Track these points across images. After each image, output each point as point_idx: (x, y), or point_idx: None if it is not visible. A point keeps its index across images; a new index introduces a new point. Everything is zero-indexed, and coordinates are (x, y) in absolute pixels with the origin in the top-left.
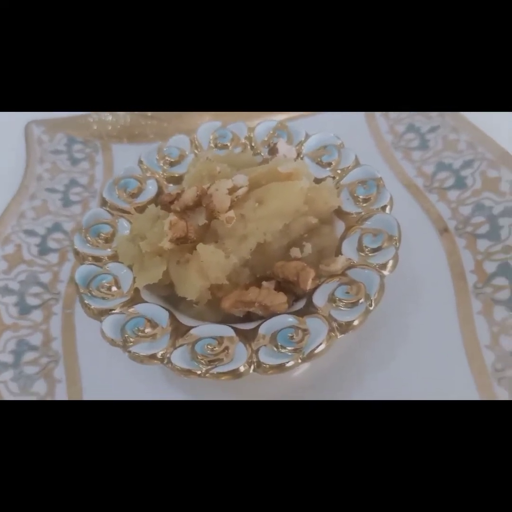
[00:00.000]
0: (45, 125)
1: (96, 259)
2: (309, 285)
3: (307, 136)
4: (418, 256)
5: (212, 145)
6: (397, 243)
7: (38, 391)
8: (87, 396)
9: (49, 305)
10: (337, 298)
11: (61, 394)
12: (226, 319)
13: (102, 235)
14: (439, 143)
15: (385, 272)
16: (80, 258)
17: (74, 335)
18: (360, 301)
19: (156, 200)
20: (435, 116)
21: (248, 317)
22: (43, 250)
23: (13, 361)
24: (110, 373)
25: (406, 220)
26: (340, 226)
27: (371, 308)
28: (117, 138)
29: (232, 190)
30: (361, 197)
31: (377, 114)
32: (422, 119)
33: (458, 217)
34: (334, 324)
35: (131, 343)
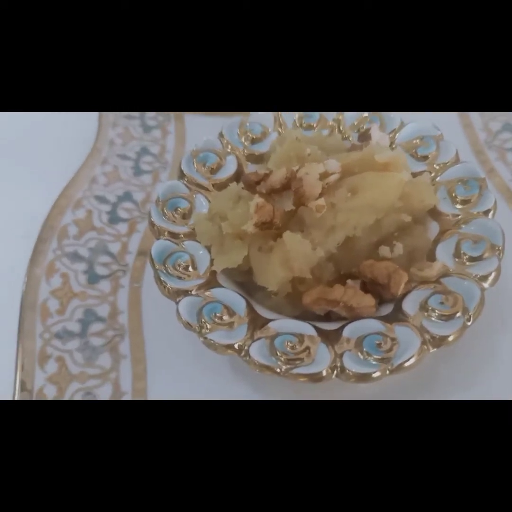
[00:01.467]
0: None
1: (173, 235)
2: (401, 290)
3: (402, 124)
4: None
5: (297, 124)
6: (501, 254)
7: (103, 365)
8: (150, 375)
9: (117, 276)
10: (431, 308)
11: (125, 371)
12: (304, 315)
13: (180, 210)
14: None
15: (486, 285)
16: (156, 232)
17: (140, 310)
18: (457, 314)
19: (236, 178)
20: None
21: (328, 316)
22: (113, 218)
23: (80, 331)
24: (174, 355)
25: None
26: (433, 227)
27: (468, 323)
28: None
29: (323, 176)
30: (460, 197)
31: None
32: None
33: None
34: (427, 336)
35: (207, 330)
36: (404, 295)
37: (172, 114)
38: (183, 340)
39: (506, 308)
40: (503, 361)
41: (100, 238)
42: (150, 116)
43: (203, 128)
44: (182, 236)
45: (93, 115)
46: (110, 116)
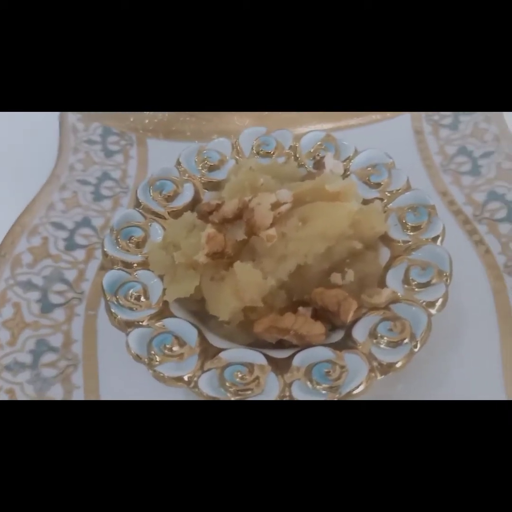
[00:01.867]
0: (81, 113)
1: (126, 264)
2: (350, 318)
3: (356, 152)
4: (462, 293)
5: (254, 152)
6: (448, 280)
7: (54, 396)
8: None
9: (72, 304)
10: (379, 335)
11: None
12: (257, 342)
13: (134, 239)
14: (493, 171)
15: (433, 311)
16: (109, 262)
17: (95, 339)
18: (405, 340)
19: (192, 205)
20: (489, 141)
21: (281, 343)
22: (70, 245)
23: (31, 362)
24: (130, 384)
25: (450, 249)
26: (384, 253)
27: (416, 349)
28: (153, 133)
29: (274, 206)
30: (410, 224)
31: (427, 130)
32: (476, 143)
33: (508, 254)
34: (375, 363)
35: (157, 362)
36: (355, 321)
37: (134, 137)
38: (139, 369)
39: (455, 332)
40: (453, 385)
41: (55, 266)
42: (112, 141)
43: (166, 153)
44: (136, 265)
45: (54, 141)
46: (72, 140)
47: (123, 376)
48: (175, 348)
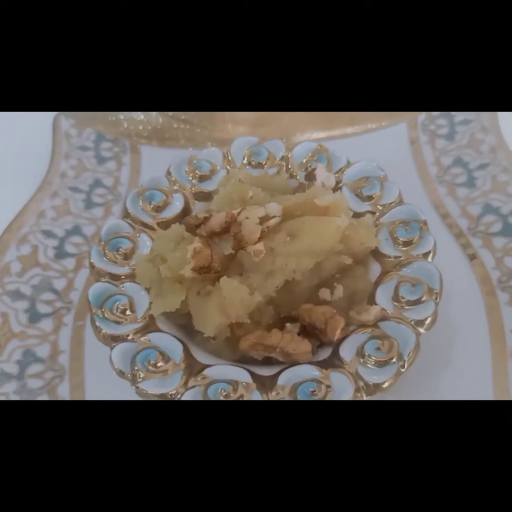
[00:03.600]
0: (75, 118)
1: (113, 277)
2: (337, 336)
3: (349, 164)
4: (454, 308)
5: (245, 162)
6: (438, 298)
7: None
8: None
9: (60, 314)
10: (367, 354)
11: None
12: (245, 358)
13: (121, 250)
14: (488, 183)
15: (421, 330)
16: (96, 274)
17: (83, 350)
18: (392, 360)
19: (182, 216)
20: (486, 152)
21: (268, 360)
22: (60, 254)
23: (18, 373)
24: (117, 397)
25: (443, 263)
26: (375, 268)
27: (403, 370)
28: (147, 139)
29: (263, 220)
30: (401, 239)
31: (423, 140)
32: (472, 154)
33: (503, 269)
34: (361, 383)
35: (141, 379)
36: (343, 339)
37: (127, 144)
38: (126, 383)
39: (446, 348)
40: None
41: (44, 275)
42: (105, 147)
43: (159, 160)
44: (123, 277)
45: (46, 147)
46: (64, 146)
47: (110, 389)
48: (159, 364)
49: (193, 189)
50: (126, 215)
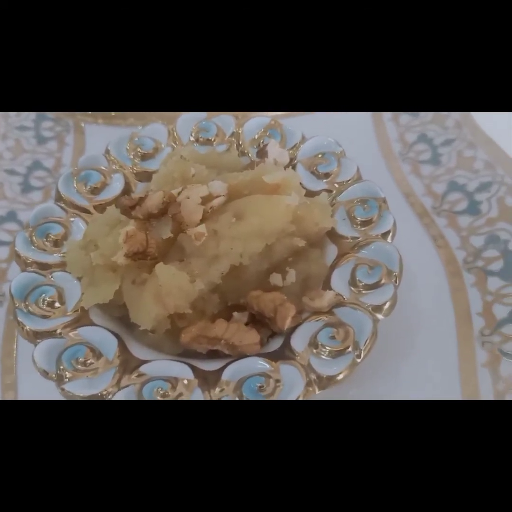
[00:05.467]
0: None
1: (41, 266)
2: (287, 324)
3: (303, 139)
4: (417, 291)
5: (193, 139)
6: (397, 281)
7: None
8: None
9: None
10: (320, 343)
11: None
12: (188, 351)
13: (51, 236)
14: (453, 159)
15: (379, 316)
16: (22, 263)
17: (14, 347)
18: (347, 350)
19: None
20: (451, 128)
21: (214, 353)
22: None
23: None
24: (51, 397)
25: (406, 244)
26: (331, 250)
27: (358, 360)
28: (92, 118)
29: (206, 200)
30: (359, 219)
31: (386, 117)
32: (436, 129)
33: (468, 248)
34: (313, 376)
35: (67, 379)
36: (295, 328)
37: (71, 123)
38: None
39: (409, 332)
40: (407, 387)
41: None
42: (46, 126)
43: (105, 140)
44: (53, 266)
45: None
46: (1, 126)
47: (45, 389)
48: (89, 361)
49: (134, 168)
50: (58, 198)
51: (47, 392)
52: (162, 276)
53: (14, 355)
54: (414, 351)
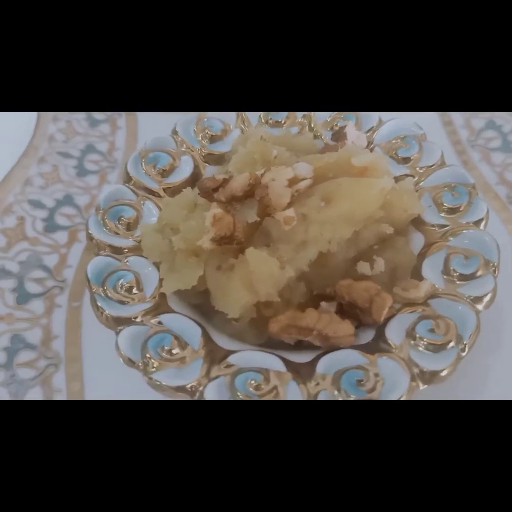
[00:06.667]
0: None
1: (115, 250)
2: (384, 316)
3: (381, 122)
4: (501, 285)
5: (262, 121)
6: (497, 271)
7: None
8: None
9: (53, 294)
10: (418, 336)
11: None
12: (270, 342)
13: (124, 219)
14: None
15: (480, 307)
16: (95, 246)
17: (79, 335)
18: (450, 344)
19: (192, 182)
20: None
21: (299, 344)
22: (50, 226)
23: (5, 361)
24: (120, 388)
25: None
26: (417, 239)
27: (463, 354)
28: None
29: (292, 182)
30: (447, 205)
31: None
32: (504, 116)
33: None
34: (416, 371)
35: (154, 368)
36: (387, 319)
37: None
38: (132, 371)
39: (501, 331)
40: (497, 392)
41: (33, 250)
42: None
43: (158, 124)
44: (126, 251)
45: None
46: None
47: (112, 378)
48: (175, 351)
49: (203, 150)
50: (128, 179)
51: (115, 381)
52: (254, 262)
53: (79, 343)
54: (502, 347)
